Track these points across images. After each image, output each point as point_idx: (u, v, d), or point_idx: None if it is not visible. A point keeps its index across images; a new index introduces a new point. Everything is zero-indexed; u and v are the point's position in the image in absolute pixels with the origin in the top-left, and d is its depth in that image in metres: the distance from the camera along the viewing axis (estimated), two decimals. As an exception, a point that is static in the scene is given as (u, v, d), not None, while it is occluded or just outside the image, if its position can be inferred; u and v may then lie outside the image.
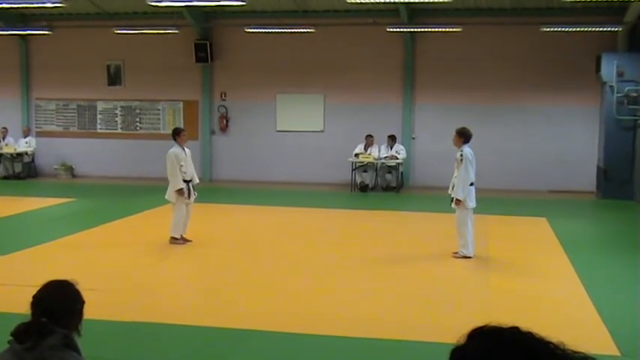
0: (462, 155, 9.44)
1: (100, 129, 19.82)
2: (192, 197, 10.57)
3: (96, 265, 9.00)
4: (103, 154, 19.73)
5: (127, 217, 12.87)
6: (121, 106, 19.61)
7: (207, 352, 6.02)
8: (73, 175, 19.68)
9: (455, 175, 9.58)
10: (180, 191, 10.27)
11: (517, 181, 17.49)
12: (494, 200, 14.89)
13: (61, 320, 2.91)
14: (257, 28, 17.38)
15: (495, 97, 17.68)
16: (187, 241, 10.40)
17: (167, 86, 19.12)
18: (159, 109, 19.45)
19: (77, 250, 10.02)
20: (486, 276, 8.80)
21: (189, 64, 18.69)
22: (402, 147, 17.36)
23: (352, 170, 17.19)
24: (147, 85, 19.25)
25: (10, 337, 2.83)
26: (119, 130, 19.70)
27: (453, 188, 9.58)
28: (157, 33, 18.02)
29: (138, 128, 19.60)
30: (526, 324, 1.49)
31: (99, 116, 19.78)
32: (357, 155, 17.12)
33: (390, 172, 17.45)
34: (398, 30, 17.26)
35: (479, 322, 1.52)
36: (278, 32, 17.60)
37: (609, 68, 15.70)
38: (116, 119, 19.71)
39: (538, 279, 8.62)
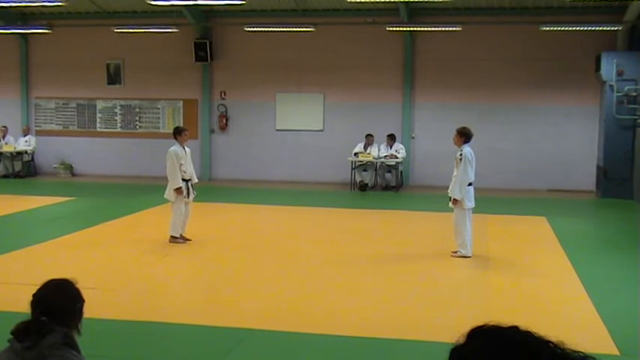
0: (461, 155, 9.43)
1: (99, 128, 19.81)
2: (192, 196, 10.59)
3: (95, 264, 9.01)
4: (102, 153, 19.73)
5: (126, 216, 12.88)
6: (121, 105, 19.61)
7: (206, 350, 6.02)
8: (73, 174, 19.67)
9: (455, 174, 9.58)
10: (179, 190, 10.27)
11: (516, 181, 17.49)
12: (494, 199, 14.91)
13: (61, 319, 2.91)
14: (257, 27, 17.37)
15: (495, 96, 17.68)
16: (187, 240, 10.41)
17: (167, 85, 19.11)
18: (158, 108, 19.44)
19: (77, 248, 10.02)
20: (486, 275, 8.80)
21: (188, 63, 18.69)
22: (401, 146, 17.35)
23: (352, 169, 17.19)
24: (146, 84, 19.24)
25: (10, 336, 2.83)
26: (119, 129, 19.69)
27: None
28: (157, 32, 18.02)
29: (137, 127, 19.59)
30: (525, 323, 1.49)
31: (98, 115, 19.77)
32: (356, 154, 17.12)
33: (389, 172, 17.46)
34: (398, 29, 17.25)
35: (478, 322, 1.52)
36: (278, 31, 17.60)
37: (609, 67, 15.71)
38: (116, 118, 19.70)
39: (537, 278, 8.62)
